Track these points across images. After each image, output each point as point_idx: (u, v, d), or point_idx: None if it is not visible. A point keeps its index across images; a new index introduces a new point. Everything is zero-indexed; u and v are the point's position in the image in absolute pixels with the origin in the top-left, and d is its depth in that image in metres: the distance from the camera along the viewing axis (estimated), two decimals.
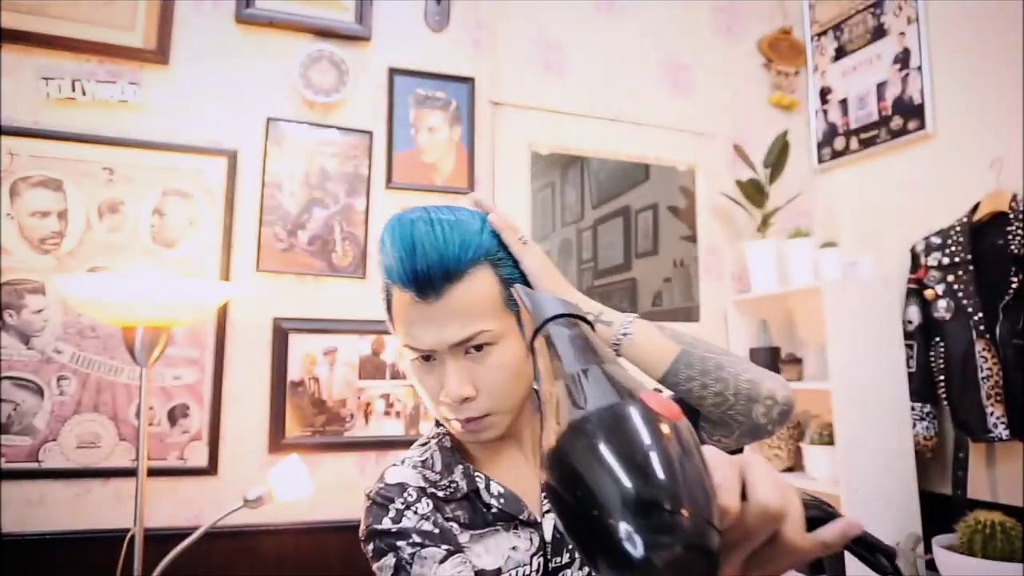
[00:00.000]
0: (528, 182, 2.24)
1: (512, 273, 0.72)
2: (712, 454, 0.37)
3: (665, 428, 0.34)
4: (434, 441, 0.82)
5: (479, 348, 0.69)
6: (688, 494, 0.31)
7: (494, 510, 0.75)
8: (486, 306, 0.69)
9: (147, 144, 1.77)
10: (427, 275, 0.66)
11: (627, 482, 0.31)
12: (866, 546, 0.47)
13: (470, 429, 0.72)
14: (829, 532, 0.41)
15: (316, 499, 1.72)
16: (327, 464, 1.84)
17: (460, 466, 0.78)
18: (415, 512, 0.73)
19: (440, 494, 0.76)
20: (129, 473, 1.65)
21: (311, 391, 1.85)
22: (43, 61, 1.71)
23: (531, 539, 0.75)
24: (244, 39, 1.90)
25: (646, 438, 0.33)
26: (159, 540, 1.51)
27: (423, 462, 0.80)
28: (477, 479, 0.76)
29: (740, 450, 0.76)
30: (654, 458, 0.32)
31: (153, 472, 1.67)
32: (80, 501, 1.64)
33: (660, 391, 0.40)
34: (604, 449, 0.32)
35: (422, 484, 0.77)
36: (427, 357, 0.70)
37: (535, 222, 2.24)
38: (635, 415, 0.34)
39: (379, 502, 0.75)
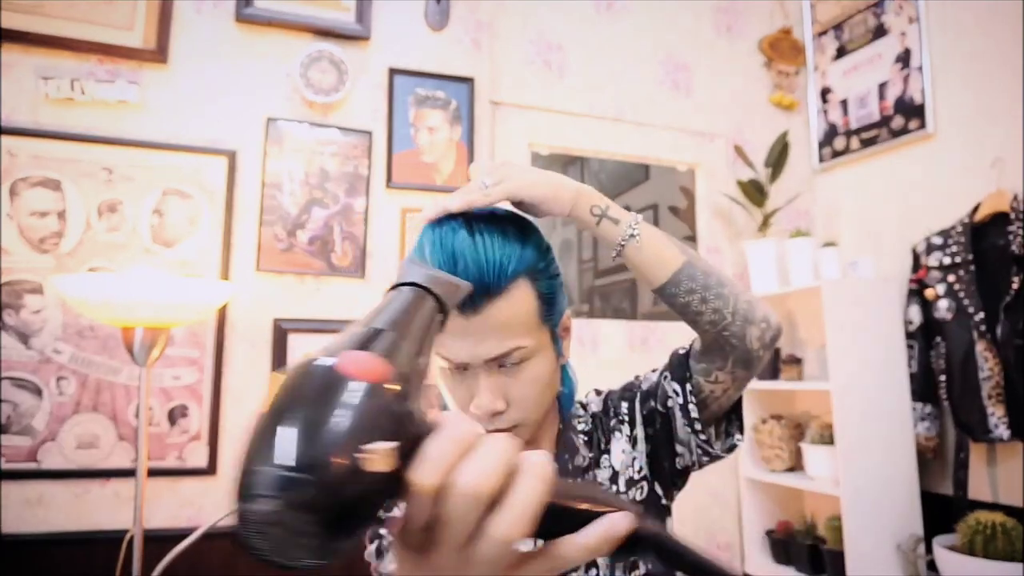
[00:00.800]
0: None
1: (550, 287, 0.71)
2: (450, 420, 0.31)
3: (320, 382, 0.30)
4: None
5: (513, 363, 0.69)
6: (290, 445, 0.27)
7: None
8: (523, 322, 0.68)
9: (147, 144, 1.77)
10: (474, 289, 0.65)
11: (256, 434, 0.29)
12: (660, 552, 0.36)
13: None
14: (583, 535, 0.33)
15: None
16: None
17: None
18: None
19: None
20: (129, 473, 1.65)
21: None
22: (42, 61, 1.71)
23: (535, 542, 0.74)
24: (244, 39, 1.90)
25: (293, 392, 0.30)
26: (159, 540, 1.51)
27: None
28: None
29: (738, 405, 0.78)
30: (284, 413, 0.29)
31: (153, 472, 1.66)
32: (79, 501, 1.64)
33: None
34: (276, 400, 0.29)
35: None
36: (459, 366, 0.70)
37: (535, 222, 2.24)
38: (307, 370, 0.31)
39: None
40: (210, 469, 1.74)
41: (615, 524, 0.33)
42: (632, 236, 0.69)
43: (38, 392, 1.63)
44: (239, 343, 1.81)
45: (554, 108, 2.28)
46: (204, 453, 1.74)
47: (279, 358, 1.82)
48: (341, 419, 0.28)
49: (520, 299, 0.67)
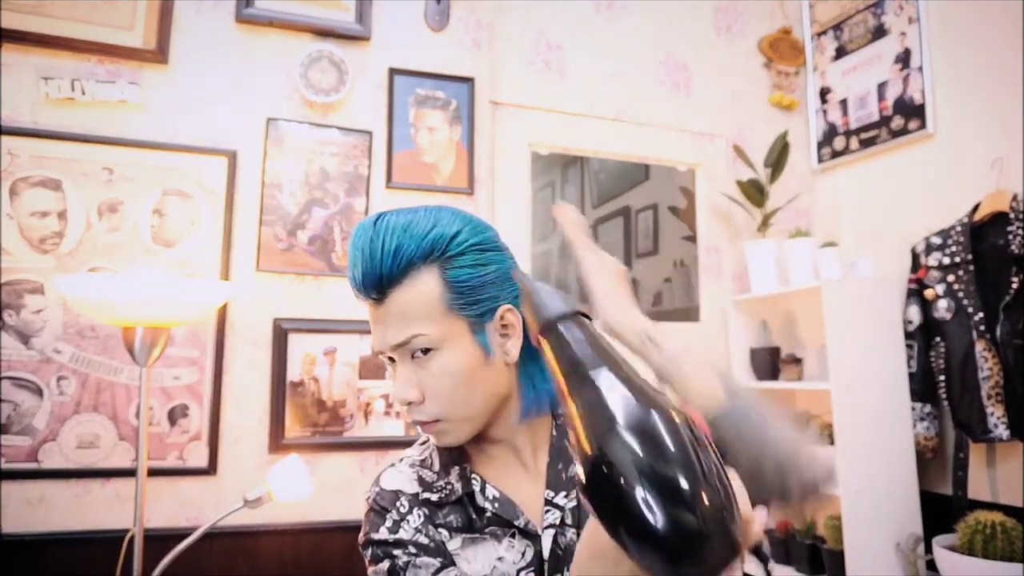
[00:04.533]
0: (528, 182, 2.24)
1: (464, 276, 0.70)
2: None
3: (695, 437, 0.38)
4: (432, 440, 0.80)
5: (425, 352, 0.69)
6: (718, 500, 0.36)
7: (488, 514, 0.73)
8: (422, 310, 0.68)
9: (147, 144, 1.77)
10: (363, 281, 0.69)
11: (664, 495, 0.35)
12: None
13: (430, 432, 0.72)
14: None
15: (316, 499, 1.72)
16: (327, 464, 1.84)
17: (457, 467, 0.77)
18: (409, 524, 0.73)
19: (434, 497, 0.75)
20: (129, 473, 1.65)
21: (311, 391, 1.85)
22: (43, 61, 1.71)
23: (524, 552, 0.72)
24: (244, 39, 1.90)
25: (681, 450, 0.37)
26: (159, 540, 1.51)
27: (422, 461, 0.80)
28: (473, 481, 0.75)
29: None
30: (688, 470, 0.36)
31: (153, 472, 1.66)
32: (80, 501, 1.64)
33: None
34: (642, 462, 0.36)
35: (416, 489, 0.76)
36: (391, 358, 0.72)
37: (535, 222, 2.24)
38: (668, 426, 0.38)
39: (376, 510, 0.75)
40: (210, 469, 1.74)
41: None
42: (673, 364, 0.70)
43: (39, 392, 1.63)
44: (239, 343, 1.81)
45: (554, 108, 2.28)
46: (204, 453, 1.74)
47: (279, 358, 1.82)
48: (723, 474, 0.38)
49: (421, 286, 0.68)
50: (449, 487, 0.76)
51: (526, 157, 2.24)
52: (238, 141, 1.86)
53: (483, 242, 0.73)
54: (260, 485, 1.54)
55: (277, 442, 1.80)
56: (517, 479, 0.76)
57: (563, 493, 0.74)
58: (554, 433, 0.78)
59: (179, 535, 1.48)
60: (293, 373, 1.83)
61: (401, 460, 0.81)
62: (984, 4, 1.99)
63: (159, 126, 1.79)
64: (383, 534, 0.73)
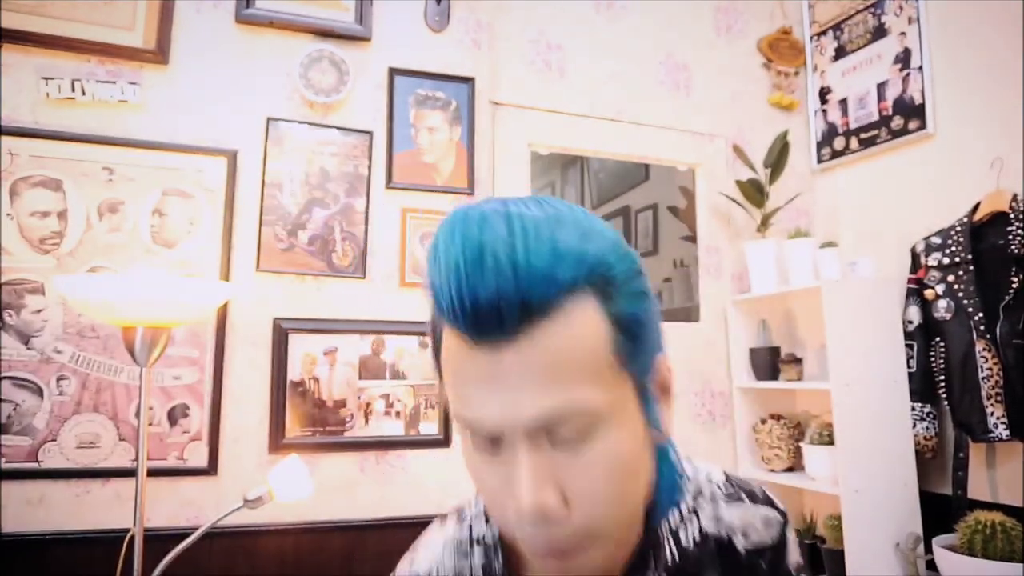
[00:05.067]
0: (528, 182, 2.24)
1: (632, 310, 0.46)
2: None
3: None
4: (479, 556, 0.57)
5: (571, 433, 0.44)
6: None
7: None
8: (584, 360, 0.43)
9: (147, 144, 1.77)
10: (494, 306, 0.41)
11: None
12: None
13: (558, 562, 0.46)
14: None
15: (316, 499, 1.72)
16: (327, 464, 1.84)
17: None
18: None
19: None
20: (129, 473, 1.65)
21: (311, 391, 1.85)
22: (43, 61, 1.71)
23: None
24: (244, 39, 1.90)
25: None
26: (159, 540, 1.51)
27: (461, 543, 0.58)
28: None
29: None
30: None
31: (153, 472, 1.66)
32: (80, 501, 1.64)
33: None
34: None
35: (463, 565, 0.56)
36: (489, 438, 0.45)
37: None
38: None
39: None
40: (210, 469, 1.74)
41: None
42: None
43: (39, 392, 1.63)
44: (239, 343, 1.81)
45: (554, 108, 2.28)
46: (204, 453, 1.74)
47: (279, 358, 1.82)
48: None
49: (580, 323, 0.43)
50: None
51: (526, 157, 2.24)
52: (238, 141, 1.86)
53: (640, 263, 0.50)
54: (260, 485, 1.54)
55: (277, 442, 1.80)
56: None
57: None
58: (642, 534, 0.54)
59: (179, 535, 1.49)
60: (293, 373, 1.84)
61: (454, 515, 0.61)
62: (984, 4, 1.99)
63: (159, 126, 1.79)
64: None
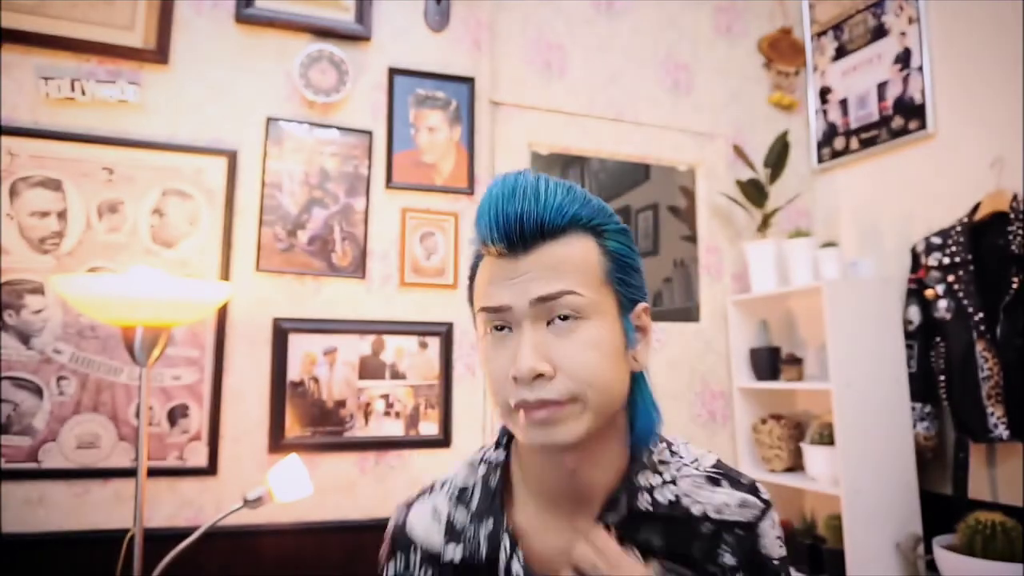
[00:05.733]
0: None
1: (620, 250, 0.63)
2: None
3: None
4: (483, 469, 0.70)
5: (564, 318, 0.58)
6: None
7: None
8: (580, 269, 0.59)
9: (147, 144, 1.77)
10: (519, 221, 0.58)
11: None
12: None
13: (541, 418, 0.57)
14: None
15: (316, 499, 1.72)
16: (327, 464, 1.84)
17: (492, 519, 0.66)
18: None
19: (456, 554, 0.66)
20: (129, 473, 1.65)
21: (311, 391, 1.85)
22: (43, 61, 1.71)
23: None
24: (244, 39, 1.90)
25: None
26: (159, 540, 1.51)
27: (461, 492, 0.70)
28: (503, 549, 0.64)
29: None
30: None
31: (153, 472, 1.67)
32: (80, 501, 1.64)
33: None
34: None
35: (437, 540, 0.67)
36: (501, 327, 0.60)
37: None
38: None
39: (390, 546, 0.70)
40: (210, 469, 1.74)
41: None
42: None
43: (38, 392, 1.63)
44: (239, 343, 1.81)
45: (554, 108, 2.28)
46: (204, 453, 1.74)
47: (279, 358, 1.82)
48: None
49: (580, 247, 0.60)
50: (475, 544, 0.65)
51: (526, 157, 2.24)
52: (238, 141, 1.86)
53: (626, 228, 0.66)
54: (260, 485, 1.54)
55: (277, 442, 1.80)
56: (563, 536, 0.64)
57: None
58: (618, 483, 0.65)
59: (179, 535, 1.49)
60: (293, 373, 1.83)
61: (443, 486, 0.71)
62: (984, 4, 1.99)
63: (159, 126, 1.79)
64: None
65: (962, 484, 1.87)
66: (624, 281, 0.63)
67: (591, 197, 0.64)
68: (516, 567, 0.63)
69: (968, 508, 1.74)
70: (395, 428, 1.91)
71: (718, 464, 0.70)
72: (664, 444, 0.70)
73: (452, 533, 0.67)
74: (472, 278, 0.65)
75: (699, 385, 2.35)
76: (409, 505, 0.71)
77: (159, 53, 1.78)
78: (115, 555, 1.48)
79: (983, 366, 1.81)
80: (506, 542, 0.64)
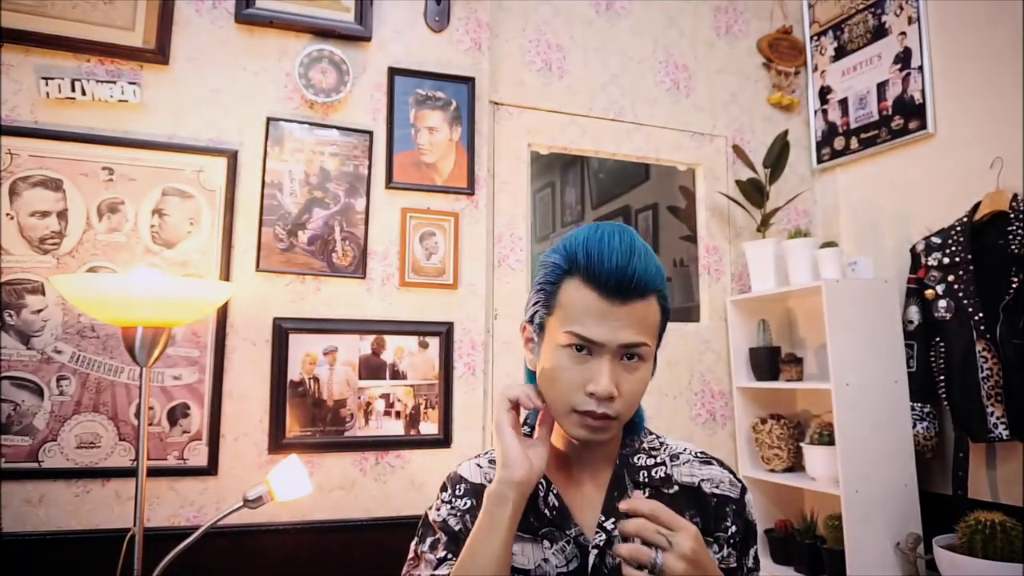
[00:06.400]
0: (528, 182, 2.24)
1: (668, 309, 0.82)
2: None
3: None
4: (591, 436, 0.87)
5: (631, 358, 0.77)
6: None
7: (545, 519, 0.81)
8: (651, 325, 0.78)
9: (147, 144, 1.77)
10: (629, 281, 0.74)
11: None
12: None
13: (597, 426, 0.76)
14: None
15: (316, 499, 1.72)
16: (327, 464, 1.84)
17: None
18: (453, 508, 0.85)
19: None
20: (129, 473, 1.65)
21: (311, 391, 1.85)
22: (43, 61, 1.71)
23: (570, 561, 0.80)
24: (244, 39, 1.90)
25: None
26: (159, 540, 1.51)
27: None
28: (540, 486, 0.82)
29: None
30: None
31: (153, 472, 1.67)
32: (80, 501, 1.64)
33: None
34: None
35: (481, 480, 0.87)
36: (581, 348, 0.76)
37: (535, 222, 2.24)
38: None
39: (443, 486, 0.89)
40: (210, 469, 1.74)
41: None
42: None
43: (39, 392, 1.63)
44: (239, 343, 1.81)
45: (554, 108, 2.28)
46: (204, 453, 1.74)
47: (279, 358, 1.82)
48: None
49: (653, 306, 0.78)
50: None
51: (526, 157, 2.24)
52: (238, 141, 1.86)
53: None
54: (260, 485, 1.54)
55: (277, 442, 1.80)
56: (583, 492, 0.84)
57: (612, 520, 0.80)
58: (617, 461, 0.86)
59: (179, 535, 1.49)
60: (293, 373, 1.84)
61: (486, 454, 0.91)
62: (984, 4, 1.99)
63: (159, 126, 1.79)
64: (432, 513, 0.86)
65: (962, 484, 1.87)
66: (663, 330, 0.82)
67: (655, 257, 0.80)
68: (552, 499, 0.82)
69: (968, 508, 1.74)
70: (395, 428, 1.91)
71: (702, 452, 0.91)
72: (653, 436, 0.90)
73: (490, 480, 0.82)
74: (550, 290, 0.80)
75: (699, 385, 2.35)
76: (459, 464, 0.92)
77: (159, 53, 1.79)
78: (115, 555, 1.48)
79: (983, 366, 1.81)
80: (543, 482, 0.82)
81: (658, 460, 0.87)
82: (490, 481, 0.83)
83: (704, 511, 0.84)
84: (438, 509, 0.86)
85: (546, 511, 0.82)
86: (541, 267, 0.83)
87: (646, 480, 0.84)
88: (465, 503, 0.85)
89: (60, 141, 1.70)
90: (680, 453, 0.89)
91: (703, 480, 0.86)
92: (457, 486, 0.87)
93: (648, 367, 0.80)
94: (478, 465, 0.90)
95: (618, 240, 0.76)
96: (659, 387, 2.28)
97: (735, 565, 0.83)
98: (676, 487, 0.85)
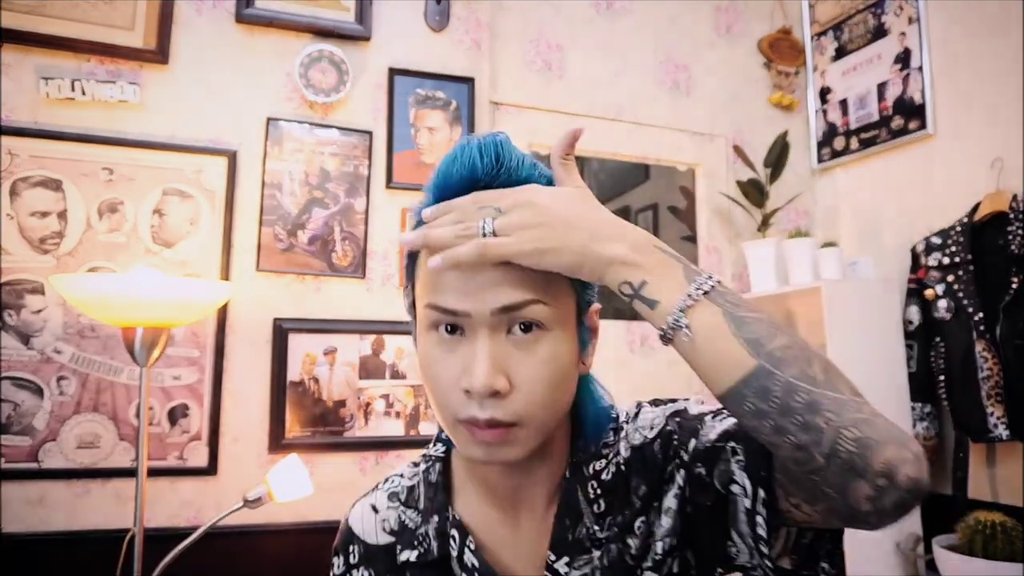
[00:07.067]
0: None
1: None
2: None
3: None
4: (424, 465, 0.68)
5: (526, 329, 0.53)
6: None
7: None
8: (545, 274, 0.53)
9: (147, 144, 1.77)
10: (484, 187, 0.54)
11: None
12: None
13: (489, 439, 0.53)
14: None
15: (316, 499, 1.72)
16: (327, 464, 1.84)
17: (437, 516, 0.63)
18: None
19: (403, 556, 0.63)
20: (129, 473, 1.65)
21: (311, 391, 1.85)
22: (43, 61, 1.71)
23: None
24: (244, 39, 1.90)
25: None
26: (159, 540, 1.51)
27: (409, 492, 0.67)
28: (452, 541, 0.61)
29: (837, 532, 0.55)
30: None
31: (153, 472, 1.67)
32: (80, 501, 1.64)
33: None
34: None
35: (378, 541, 0.65)
36: (452, 329, 0.54)
37: None
38: None
39: (336, 548, 0.68)
40: (210, 469, 1.74)
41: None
42: (677, 327, 0.49)
43: (39, 392, 1.63)
44: (239, 343, 1.81)
45: (554, 108, 2.28)
46: (204, 453, 1.74)
47: (279, 358, 1.82)
48: None
49: None
50: (425, 543, 0.63)
51: None
52: (238, 141, 1.86)
53: None
54: (260, 485, 1.54)
55: (277, 442, 1.80)
56: (515, 529, 0.62)
57: (566, 559, 0.59)
58: (567, 476, 0.61)
59: (179, 535, 1.49)
60: (293, 373, 1.84)
61: (386, 484, 0.70)
62: (984, 4, 1.99)
63: (159, 126, 1.79)
64: None
65: (962, 484, 1.87)
66: (583, 285, 0.58)
67: (539, 165, 0.58)
68: (469, 558, 0.60)
69: (968, 508, 1.74)
70: (395, 428, 1.91)
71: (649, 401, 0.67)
72: (612, 423, 0.64)
73: (404, 534, 0.64)
74: (412, 255, 0.59)
75: (699, 385, 2.35)
76: (352, 506, 0.70)
77: (159, 53, 1.78)
78: (115, 555, 1.48)
79: (983, 366, 1.81)
80: (455, 535, 0.61)
81: (611, 455, 0.62)
82: (392, 532, 0.65)
83: (648, 471, 0.60)
84: None
85: None
86: (408, 224, 0.62)
87: (596, 493, 0.60)
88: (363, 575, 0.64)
89: (60, 141, 1.69)
90: (629, 433, 0.64)
91: (635, 432, 0.63)
92: (350, 549, 0.66)
93: (560, 341, 0.54)
94: (373, 507, 0.67)
95: (474, 148, 0.54)
96: (659, 388, 2.28)
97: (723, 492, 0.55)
98: (622, 467, 0.61)
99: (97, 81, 1.74)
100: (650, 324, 0.52)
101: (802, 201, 2.52)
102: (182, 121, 1.81)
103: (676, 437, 0.60)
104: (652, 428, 0.62)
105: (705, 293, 0.49)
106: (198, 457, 1.74)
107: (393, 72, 2.02)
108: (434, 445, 0.69)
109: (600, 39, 2.37)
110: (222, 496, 1.73)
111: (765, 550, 0.52)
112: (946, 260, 1.92)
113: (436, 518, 0.63)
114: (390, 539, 0.65)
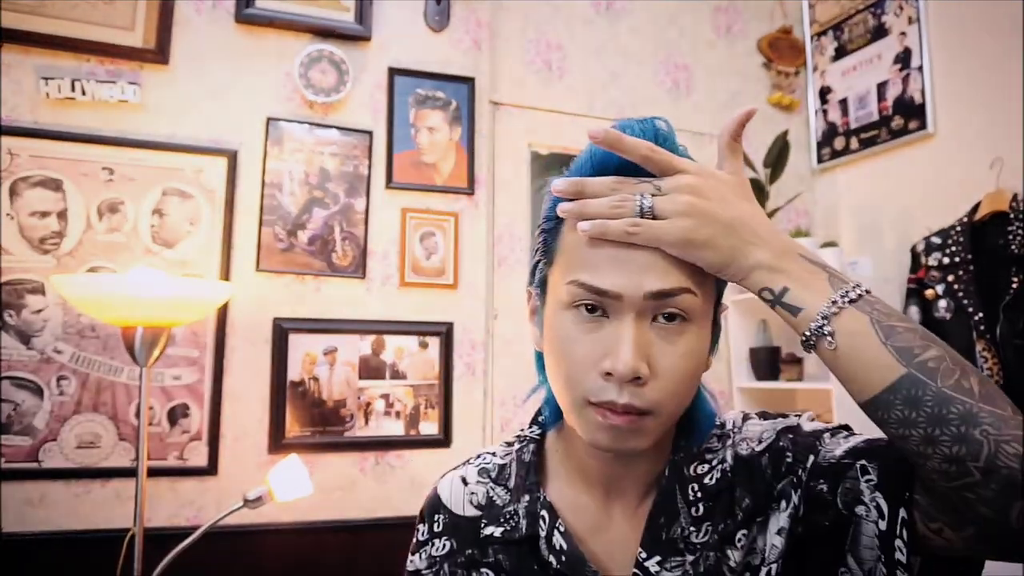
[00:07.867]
0: (528, 182, 2.24)
1: None
2: None
3: None
4: (517, 446, 0.66)
5: (670, 319, 0.52)
6: None
7: (550, 570, 0.58)
8: (695, 265, 0.52)
9: (147, 144, 1.77)
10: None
11: None
12: None
13: (621, 424, 0.51)
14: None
15: (316, 499, 1.72)
16: (327, 464, 1.84)
17: (528, 496, 0.62)
18: (432, 551, 0.65)
19: (490, 531, 0.62)
20: (129, 473, 1.65)
21: (311, 391, 1.85)
22: (43, 61, 1.71)
23: None
24: (244, 39, 1.90)
25: None
26: (159, 540, 1.51)
27: (500, 470, 0.66)
28: (541, 521, 0.60)
29: (977, 565, 0.53)
30: None
31: (153, 472, 1.67)
32: (80, 501, 1.64)
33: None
34: None
35: (466, 512, 0.65)
36: (593, 308, 0.52)
37: (535, 222, 2.24)
38: None
39: (423, 513, 0.68)
40: (210, 469, 1.74)
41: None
42: (820, 334, 0.49)
43: (39, 392, 1.63)
44: (239, 343, 1.81)
45: (554, 108, 2.28)
46: (204, 453, 1.74)
47: (279, 358, 1.82)
48: None
49: None
50: (514, 521, 0.61)
51: (526, 157, 2.24)
52: (238, 141, 1.86)
53: None
54: (260, 485, 1.54)
55: (277, 442, 1.80)
56: (606, 519, 0.60)
57: (658, 558, 0.56)
58: (666, 473, 0.60)
59: (179, 535, 1.49)
60: (293, 373, 1.83)
61: (477, 459, 0.68)
62: (984, 4, 1.99)
63: (159, 126, 1.79)
64: (411, 559, 0.67)
65: None
66: (721, 283, 0.57)
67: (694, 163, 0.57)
68: (558, 539, 0.58)
69: None
70: (395, 428, 1.91)
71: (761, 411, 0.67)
72: (716, 429, 0.63)
73: (491, 510, 0.63)
74: (550, 229, 0.58)
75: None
76: (442, 476, 0.70)
77: (159, 53, 1.78)
78: (115, 555, 1.48)
79: (983, 366, 1.81)
80: (545, 516, 0.60)
81: (715, 461, 0.60)
82: (479, 506, 0.64)
83: (755, 484, 0.58)
84: (414, 553, 0.66)
85: (551, 558, 0.58)
86: (545, 202, 0.60)
87: (697, 496, 0.58)
88: (443, 546, 0.64)
89: (60, 141, 1.69)
90: (738, 443, 0.62)
91: (741, 442, 0.61)
92: (435, 518, 0.66)
93: (699, 335, 0.53)
94: (463, 480, 0.67)
95: (635, 128, 0.54)
96: None
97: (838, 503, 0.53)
98: (728, 475, 0.59)
99: (97, 81, 1.74)
100: (792, 326, 0.51)
101: (802, 201, 2.52)
102: (182, 121, 1.81)
103: (790, 454, 0.58)
104: (761, 441, 0.60)
105: (851, 301, 0.49)
106: (198, 457, 1.74)
107: (393, 72, 2.02)
108: (530, 427, 0.68)
109: (600, 39, 2.37)
110: (222, 496, 1.73)
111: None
112: (946, 260, 1.92)
113: (527, 497, 0.61)
114: (476, 512, 0.64)
